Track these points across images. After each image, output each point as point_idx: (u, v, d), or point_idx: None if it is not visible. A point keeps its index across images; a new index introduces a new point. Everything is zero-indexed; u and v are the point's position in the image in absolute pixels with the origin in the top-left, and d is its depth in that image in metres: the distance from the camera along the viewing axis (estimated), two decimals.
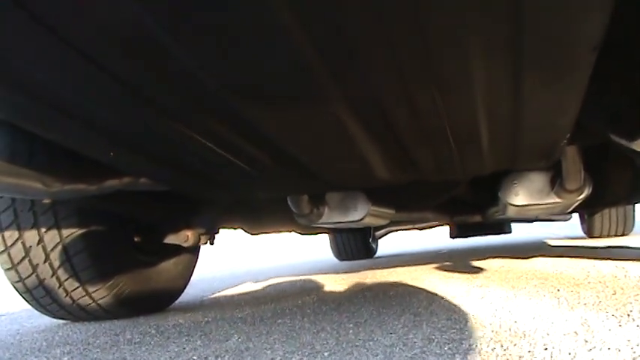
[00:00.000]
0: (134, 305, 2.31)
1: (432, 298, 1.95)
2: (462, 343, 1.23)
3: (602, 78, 1.23)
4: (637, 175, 2.02)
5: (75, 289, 2.22)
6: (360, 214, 1.99)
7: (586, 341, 1.14)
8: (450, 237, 3.72)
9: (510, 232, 3.75)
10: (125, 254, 2.27)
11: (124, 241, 2.28)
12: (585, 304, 1.52)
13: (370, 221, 2.10)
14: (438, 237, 7.40)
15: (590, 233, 4.79)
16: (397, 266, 3.65)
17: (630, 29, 1.17)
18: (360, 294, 2.32)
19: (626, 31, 1.18)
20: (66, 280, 2.18)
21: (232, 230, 2.63)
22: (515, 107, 1.06)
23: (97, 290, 2.24)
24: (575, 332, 1.22)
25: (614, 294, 1.64)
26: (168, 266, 2.50)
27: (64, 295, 2.21)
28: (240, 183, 1.62)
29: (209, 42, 0.79)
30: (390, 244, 7.87)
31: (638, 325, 1.23)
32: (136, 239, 2.35)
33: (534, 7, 0.73)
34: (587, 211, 3.99)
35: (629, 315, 1.34)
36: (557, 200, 1.81)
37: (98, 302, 2.25)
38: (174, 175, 1.54)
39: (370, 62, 0.85)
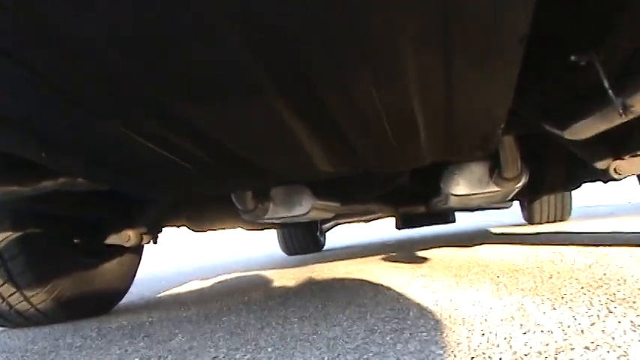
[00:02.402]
0: (75, 308, 2.24)
1: (377, 289, 1.97)
2: (404, 333, 1.25)
3: (535, 70, 1.32)
4: (572, 163, 2.08)
5: (12, 294, 2.16)
6: (304, 208, 2.02)
7: (521, 325, 1.18)
8: (397, 228, 3.77)
9: (454, 221, 3.82)
10: (64, 256, 2.20)
11: (63, 243, 2.21)
12: (523, 290, 1.57)
13: (316, 215, 2.13)
14: (386, 228, 7.50)
15: (530, 220, 4.98)
16: (345, 259, 3.69)
17: (560, 23, 1.24)
18: (307, 288, 2.33)
19: (557, 25, 1.24)
20: (2, 285, 2.12)
21: (176, 228, 2.55)
22: (448, 97, 1.08)
23: (35, 295, 2.17)
24: (512, 317, 1.26)
25: (550, 278, 1.70)
26: (111, 267, 2.44)
27: (1, 301, 2.15)
28: (180, 181, 1.59)
29: (137, 42, 0.78)
30: (338, 236, 7.89)
31: (570, 308, 1.27)
32: (75, 240, 2.28)
33: None
34: (526, 198, 4.12)
35: (562, 298, 1.39)
36: (496, 189, 1.89)
37: (37, 307, 2.16)
38: (111, 175, 1.51)
39: (302, 54, 0.86)
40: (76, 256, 2.27)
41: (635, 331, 1.02)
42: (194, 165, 1.40)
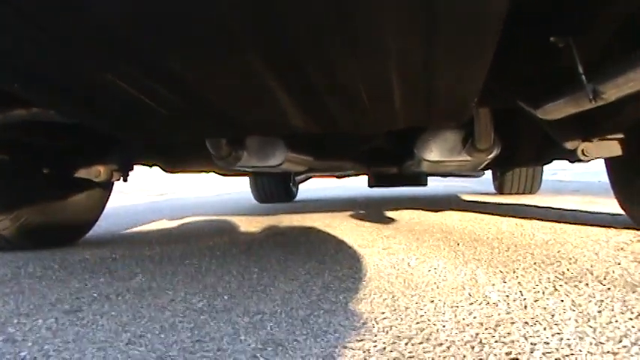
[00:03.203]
0: (40, 237, 2.25)
1: (339, 246, 2.01)
2: (357, 293, 1.29)
3: (514, 48, 1.36)
4: (544, 140, 2.12)
5: None
6: (277, 159, 2.05)
7: (470, 295, 1.22)
8: (369, 186, 3.82)
9: (426, 184, 3.87)
10: (32, 186, 2.19)
11: (32, 173, 2.19)
12: (478, 260, 1.62)
13: (288, 167, 2.15)
14: (358, 185, 7.58)
15: (500, 190, 5.06)
16: (314, 211, 3.74)
17: (542, 3, 1.26)
18: (271, 238, 2.36)
19: (538, 5, 1.27)
20: None
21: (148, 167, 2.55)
22: (425, 68, 1.10)
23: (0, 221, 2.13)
24: (463, 287, 1.30)
25: (507, 250, 1.75)
26: (79, 200, 2.44)
27: None
28: (155, 124, 1.59)
29: None
30: (311, 188, 7.92)
31: (519, 282, 1.32)
32: (45, 171, 2.25)
33: None
34: (498, 169, 4.19)
35: (514, 272, 1.44)
36: (468, 158, 1.93)
37: (1, 233, 2.16)
38: (86, 111, 1.50)
39: (280, 16, 0.87)
40: (44, 186, 2.26)
41: (574, 310, 1.07)
42: (169, 110, 1.40)
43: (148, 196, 7.28)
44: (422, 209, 3.48)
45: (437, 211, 3.31)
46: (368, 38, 0.95)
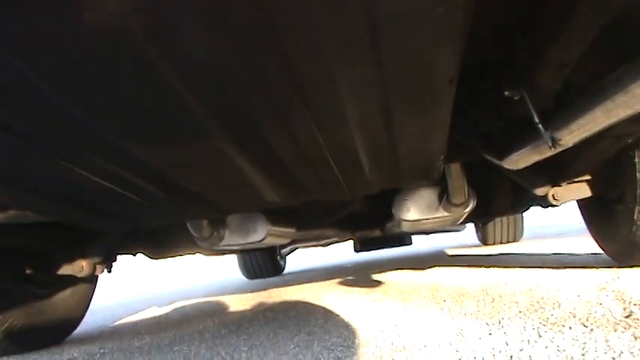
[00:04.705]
0: (27, 340, 2.23)
1: (328, 315, 2.00)
2: None
3: (474, 102, 1.43)
4: (517, 188, 2.22)
5: None
6: (260, 235, 2.06)
7: (457, 351, 1.23)
8: (355, 251, 3.90)
9: (411, 243, 3.94)
10: (15, 288, 2.17)
11: (14, 274, 2.18)
12: (465, 314, 1.63)
13: (272, 241, 2.16)
14: (345, 251, 7.37)
15: (484, 241, 5.09)
16: (303, 282, 3.77)
17: (494, 57, 1.32)
18: (260, 315, 2.35)
19: (492, 59, 1.32)
20: None
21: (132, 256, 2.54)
22: (388, 134, 1.13)
23: None
24: (450, 343, 1.31)
25: (493, 302, 1.76)
26: (64, 297, 2.41)
27: None
28: (133, 213, 1.62)
29: (87, 90, 0.81)
30: (299, 259, 7.86)
31: (505, 333, 1.33)
32: (27, 271, 2.24)
33: (389, 47, 0.79)
34: (479, 221, 4.22)
35: (500, 322, 1.45)
36: (446, 214, 1.96)
37: None
38: (64, 209, 1.53)
39: (243, 98, 0.90)
40: (27, 287, 2.24)
41: (558, 355, 1.07)
42: (146, 199, 1.43)
43: (137, 284, 7.17)
44: (409, 268, 3.50)
45: (423, 268, 3.33)
46: (331, 113, 0.99)
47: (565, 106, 1.19)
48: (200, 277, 7.16)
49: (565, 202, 1.97)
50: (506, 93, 1.28)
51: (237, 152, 1.14)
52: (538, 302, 1.64)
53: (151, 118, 0.94)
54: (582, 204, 2.28)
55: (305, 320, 1.96)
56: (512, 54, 1.27)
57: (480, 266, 2.96)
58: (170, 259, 2.67)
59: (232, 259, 5.43)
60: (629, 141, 1.62)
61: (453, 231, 4.09)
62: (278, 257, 5.39)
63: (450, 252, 4.76)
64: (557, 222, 7.39)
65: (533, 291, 1.84)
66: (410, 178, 1.60)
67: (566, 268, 2.33)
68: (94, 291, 2.64)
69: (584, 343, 1.13)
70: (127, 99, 0.85)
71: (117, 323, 2.87)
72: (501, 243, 4.77)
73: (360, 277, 3.53)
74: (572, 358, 1.04)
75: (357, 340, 1.49)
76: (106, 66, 0.75)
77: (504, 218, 4.68)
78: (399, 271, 3.48)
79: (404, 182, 1.70)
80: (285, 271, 5.75)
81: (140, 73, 0.77)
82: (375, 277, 3.22)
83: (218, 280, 5.70)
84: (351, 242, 3.70)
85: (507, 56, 1.29)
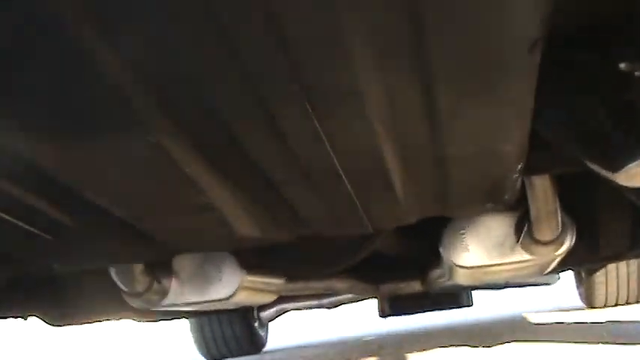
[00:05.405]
0: None
1: None
2: None
3: (570, 84, 1.08)
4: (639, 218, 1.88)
5: None
6: (228, 288, 1.51)
7: None
8: (380, 316, 3.03)
9: (471, 305, 3.11)
10: None
11: None
12: None
13: (247, 298, 1.68)
14: (364, 316, 5.93)
15: (590, 302, 4.01)
16: None
17: (606, 10, 0.99)
18: None
19: (597, 19, 1.03)
20: None
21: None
22: (432, 133, 0.89)
23: None
24: None
25: None
26: None
27: None
28: (22, 253, 1.28)
29: None
30: (290, 328, 6.29)
31: None
32: None
33: None
34: (581, 268, 3.40)
35: None
36: (527, 257, 1.46)
37: None
38: None
39: (202, 64, 0.69)
40: None
41: None
42: (42, 228, 1.11)
43: None
44: (468, 345, 2.90)
45: (490, 345, 2.76)
46: (331, 83, 0.74)
47: None
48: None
49: None
50: (621, 66, 0.97)
51: (189, 154, 0.87)
52: None
53: (49, 95, 0.72)
54: None
55: None
56: (634, 5, 0.98)
57: (585, 342, 2.49)
58: (80, 325, 2.14)
59: (183, 328, 4.26)
60: None
61: (539, 285, 3.25)
62: (256, 325, 4.17)
63: (534, 319, 4.08)
64: None
65: None
66: (468, 200, 1.25)
67: None
68: None
69: None
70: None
71: None
72: (617, 304, 3.97)
73: (388, 358, 2.95)
74: None
75: None
76: None
77: (622, 265, 3.61)
78: (451, 348, 2.90)
79: (458, 207, 1.31)
80: (268, 346, 4.52)
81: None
82: (414, 358, 2.74)
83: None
84: (374, 302, 2.97)
85: (627, 8, 0.98)
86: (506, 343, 2.74)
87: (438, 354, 2.80)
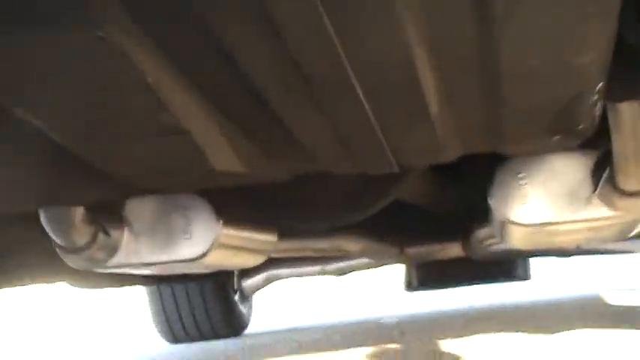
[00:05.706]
0: None
1: None
2: None
3: None
4: None
5: None
6: (199, 245, 1.20)
7: None
8: (406, 289, 2.75)
9: (528, 278, 2.80)
10: None
11: None
12: None
13: (224, 260, 1.38)
14: (384, 288, 5.34)
15: None
16: (292, 355, 2.79)
17: None
18: None
19: None
20: None
21: None
22: (481, 31, 0.67)
23: None
24: None
25: None
26: None
27: None
28: None
29: None
30: (281, 303, 5.73)
31: None
32: None
33: None
34: None
35: None
36: (607, 213, 1.19)
37: None
38: None
39: None
40: None
41: None
42: None
43: None
44: (522, 330, 2.54)
45: (553, 332, 2.37)
46: None
47: None
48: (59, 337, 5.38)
49: None
50: None
51: (149, 54, 0.65)
52: None
53: None
54: None
55: None
56: None
57: None
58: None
59: (138, 299, 3.81)
60: None
61: (622, 253, 2.80)
62: (236, 298, 3.66)
63: (613, 300, 3.61)
64: None
65: None
66: (529, 130, 0.97)
67: None
68: None
69: None
70: None
71: None
72: None
73: (413, 347, 2.60)
74: None
75: None
76: None
77: None
78: (500, 333, 2.55)
79: (515, 140, 1.03)
80: (251, 328, 3.97)
81: None
82: (447, 345, 2.40)
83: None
84: (397, 270, 2.75)
85: None
86: (574, 330, 2.34)
87: (479, 343, 2.39)
